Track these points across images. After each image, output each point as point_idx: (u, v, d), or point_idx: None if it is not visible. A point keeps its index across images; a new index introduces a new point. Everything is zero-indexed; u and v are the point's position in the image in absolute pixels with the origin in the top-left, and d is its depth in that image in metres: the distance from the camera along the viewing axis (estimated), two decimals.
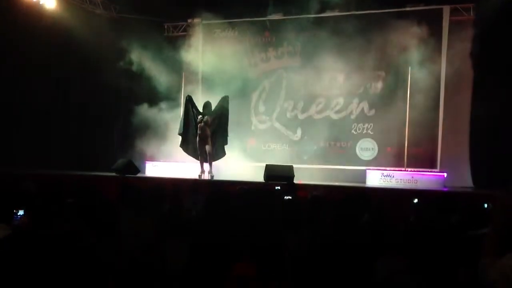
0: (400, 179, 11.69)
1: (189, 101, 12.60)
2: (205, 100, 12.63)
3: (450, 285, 2.99)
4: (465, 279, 3.25)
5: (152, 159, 14.11)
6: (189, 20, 15.19)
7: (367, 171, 12.27)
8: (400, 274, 3.00)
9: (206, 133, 12.09)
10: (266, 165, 11.59)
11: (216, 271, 2.99)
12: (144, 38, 14.10)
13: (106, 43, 14.04)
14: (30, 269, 3.18)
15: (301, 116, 14.19)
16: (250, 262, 3.13)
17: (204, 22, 14.96)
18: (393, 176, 11.79)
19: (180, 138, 12.83)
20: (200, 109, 12.38)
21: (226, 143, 12.56)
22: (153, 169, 13.77)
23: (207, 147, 12.06)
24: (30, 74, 13.66)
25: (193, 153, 12.54)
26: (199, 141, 12.12)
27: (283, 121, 14.34)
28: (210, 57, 14.58)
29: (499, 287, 2.91)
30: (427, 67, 12.43)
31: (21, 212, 3.67)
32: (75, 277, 3.17)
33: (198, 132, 12.09)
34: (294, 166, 11.74)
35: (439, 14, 12.75)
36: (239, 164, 13.18)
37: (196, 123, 12.23)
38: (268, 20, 14.49)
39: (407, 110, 12.36)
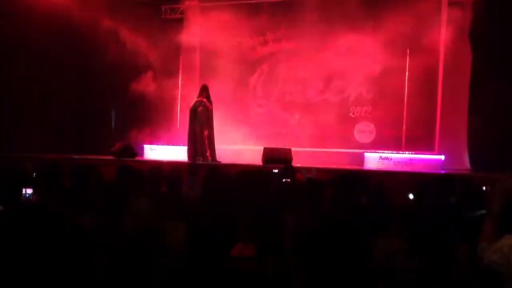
0: (398, 162, 11.70)
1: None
2: (202, 84, 12.59)
3: (447, 265, 3.01)
4: (463, 259, 3.26)
5: (150, 142, 14.09)
6: (186, 3, 15.08)
7: (365, 154, 12.28)
8: (399, 254, 3.01)
9: (205, 118, 12.00)
10: (264, 148, 11.60)
11: (215, 253, 3.00)
12: (141, 21, 14.00)
13: (103, 26, 13.95)
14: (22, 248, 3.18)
15: (299, 100, 14.15)
16: (248, 244, 3.14)
17: (201, 4, 14.86)
18: (391, 159, 11.80)
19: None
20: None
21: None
22: (151, 153, 13.77)
23: (206, 131, 11.99)
24: (27, 58, 13.60)
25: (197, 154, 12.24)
26: (197, 126, 12.03)
27: (281, 104, 14.31)
28: (208, 40, 14.52)
29: (498, 268, 2.94)
30: (425, 49, 12.39)
31: (29, 191, 3.69)
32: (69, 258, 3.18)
33: (197, 116, 11.99)
34: (292, 149, 11.76)
35: None
36: (237, 148, 13.17)
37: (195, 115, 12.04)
38: (266, 2, 14.39)
39: (405, 93, 12.33)
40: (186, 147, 12.67)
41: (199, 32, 14.84)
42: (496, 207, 3.13)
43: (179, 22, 14.86)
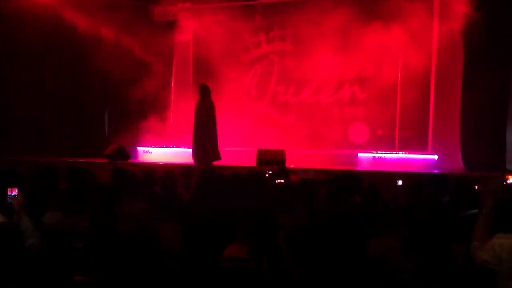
0: (392, 162, 11.75)
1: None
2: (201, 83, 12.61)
3: (441, 263, 3.04)
4: (456, 258, 3.29)
5: (143, 144, 14.08)
6: (179, 5, 15.07)
7: (358, 154, 12.32)
8: (393, 253, 3.04)
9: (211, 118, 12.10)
10: (258, 149, 11.60)
11: (210, 254, 3.02)
12: (133, 23, 13.98)
13: (95, 27, 13.94)
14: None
15: (293, 101, 14.18)
16: (242, 244, 3.16)
17: (194, 7, 14.86)
18: (385, 159, 11.84)
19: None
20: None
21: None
22: (144, 155, 13.76)
23: (211, 132, 12.03)
24: (21, 61, 13.59)
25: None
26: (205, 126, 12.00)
27: (275, 106, 14.33)
28: (201, 42, 14.54)
29: (490, 266, 2.97)
30: (418, 49, 12.43)
31: (14, 192, 3.68)
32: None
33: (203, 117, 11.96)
34: (286, 150, 11.76)
35: None
36: (230, 149, 13.17)
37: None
38: (259, 4, 14.41)
39: (398, 93, 12.38)
40: (179, 149, 12.68)
41: (192, 34, 14.83)
42: (488, 206, 3.16)
43: (172, 25, 14.84)
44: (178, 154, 12.94)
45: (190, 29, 14.77)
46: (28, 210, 3.69)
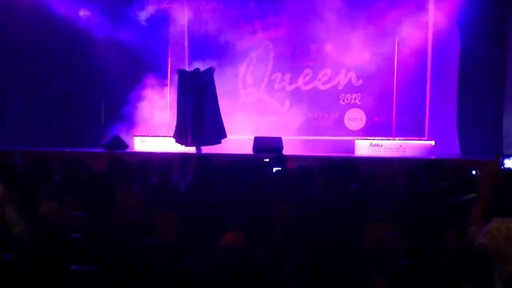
0: (389, 148, 11.74)
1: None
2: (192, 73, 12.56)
3: (437, 249, 3.04)
4: (452, 243, 3.29)
5: (140, 133, 14.05)
6: None
7: (355, 141, 12.31)
8: (390, 238, 3.03)
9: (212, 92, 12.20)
10: (255, 137, 11.59)
11: (205, 242, 3.01)
12: (128, 10, 13.91)
13: (89, 16, 13.86)
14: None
15: (288, 88, 14.16)
16: (238, 232, 3.15)
17: None
18: (382, 146, 11.83)
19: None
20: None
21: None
22: (141, 144, 13.73)
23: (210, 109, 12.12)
24: (14, 52, 13.53)
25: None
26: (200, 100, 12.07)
27: (271, 93, 14.31)
28: (196, 29, 14.45)
29: (487, 250, 2.98)
30: (414, 35, 12.41)
31: None
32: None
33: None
34: (283, 137, 11.75)
35: None
36: (227, 137, 13.15)
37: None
38: None
39: (395, 79, 12.36)
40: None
41: (186, 22, 14.77)
42: (485, 191, 3.16)
43: (167, 12, 14.76)
44: (174, 143, 12.89)
45: (185, 17, 14.71)
46: (20, 201, 3.66)
